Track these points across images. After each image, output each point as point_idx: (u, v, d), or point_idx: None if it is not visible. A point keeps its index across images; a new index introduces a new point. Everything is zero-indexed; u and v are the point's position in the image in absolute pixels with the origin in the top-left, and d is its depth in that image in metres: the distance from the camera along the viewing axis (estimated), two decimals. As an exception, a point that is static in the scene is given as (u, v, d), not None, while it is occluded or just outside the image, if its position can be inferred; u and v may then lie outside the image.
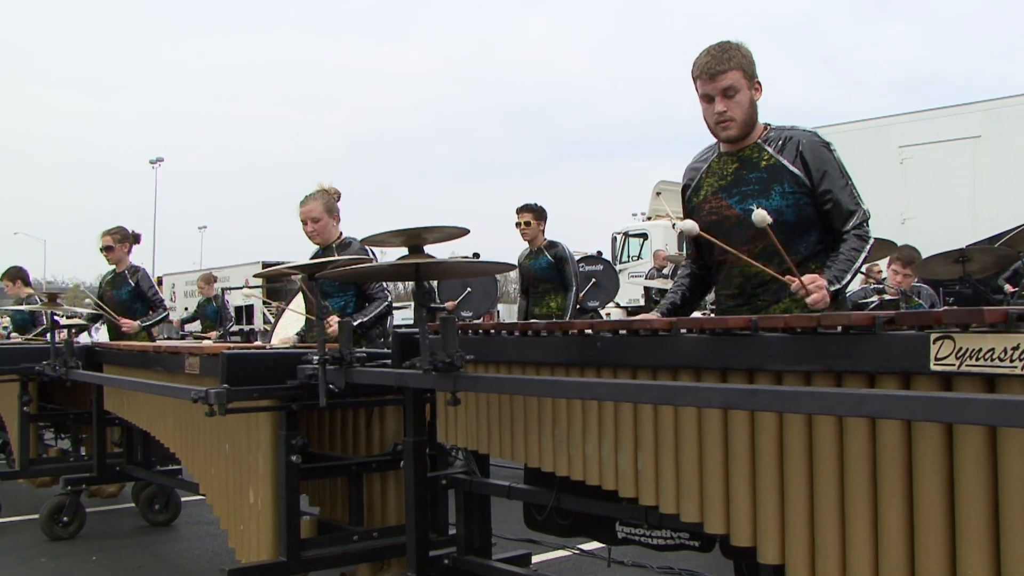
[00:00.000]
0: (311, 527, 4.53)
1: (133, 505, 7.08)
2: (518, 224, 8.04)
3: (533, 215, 7.97)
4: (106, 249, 7.84)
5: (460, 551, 4.18)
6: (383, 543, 4.42)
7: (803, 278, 3.13)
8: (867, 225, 3.35)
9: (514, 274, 8.20)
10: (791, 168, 3.36)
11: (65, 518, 6.36)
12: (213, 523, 5.51)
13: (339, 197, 5.72)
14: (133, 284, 7.83)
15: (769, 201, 3.34)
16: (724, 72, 3.37)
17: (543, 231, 8.02)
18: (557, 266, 7.87)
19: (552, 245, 7.97)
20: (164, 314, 7.98)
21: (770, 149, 3.42)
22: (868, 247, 3.33)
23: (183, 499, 6.91)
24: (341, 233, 5.69)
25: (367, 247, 5.43)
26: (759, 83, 3.46)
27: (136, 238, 8.05)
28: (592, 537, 4.01)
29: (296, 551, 4.14)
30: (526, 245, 8.12)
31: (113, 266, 7.95)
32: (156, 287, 8.03)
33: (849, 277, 3.25)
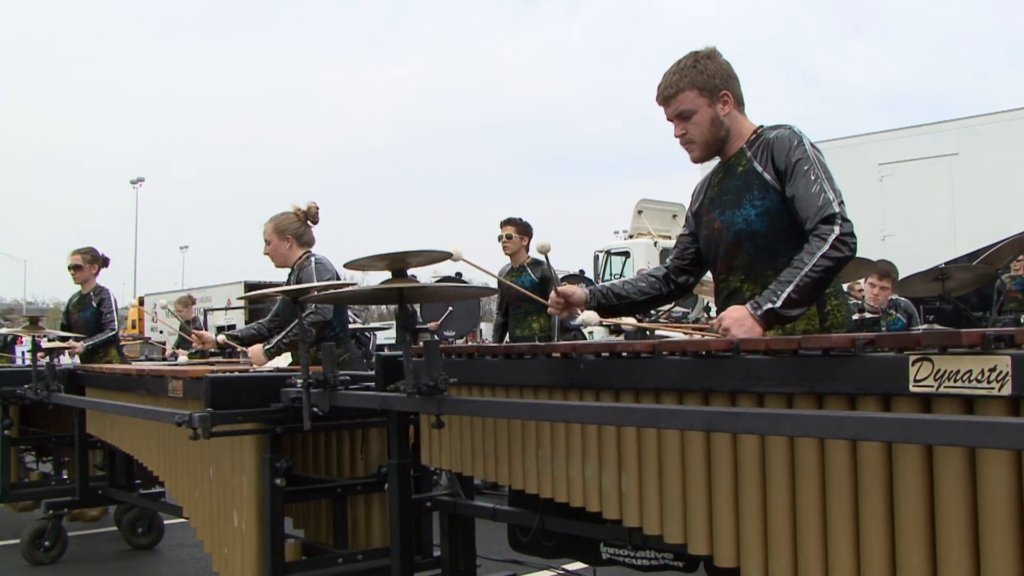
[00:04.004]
0: (296, 550, 4.52)
1: (116, 528, 7.04)
2: (500, 237, 7.78)
3: (516, 228, 7.73)
4: (74, 268, 7.82)
5: (445, 573, 4.18)
6: (368, 565, 4.41)
7: (714, 322, 3.05)
8: (835, 222, 2.98)
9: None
10: (762, 172, 3.19)
11: (47, 542, 6.31)
12: (196, 546, 5.50)
13: (308, 218, 5.56)
14: (95, 305, 7.80)
15: (742, 211, 3.23)
16: (675, 95, 3.29)
17: (526, 247, 7.76)
18: (542, 286, 7.56)
19: (536, 264, 7.69)
20: (108, 335, 7.77)
21: (749, 154, 3.26)
22: (825, 249, 2.95)
23: (166, 522, 6.89)
24: (307, 253, 5.55)
25: (322, 263, 5.37)
26: (727, 95, 3.29)
27: (105, 261, 7.99)
28: (577, 558, 4.01)
29: (280, 574, 4.13)
30: (507, 261, 7.88)
31: (79, 287, 7.93)
32: (115, 311, 7.90)
33: (791, 290, 2.93)
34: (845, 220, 3.01)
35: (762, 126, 3.35)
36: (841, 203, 3.04)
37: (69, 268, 7.85)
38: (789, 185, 3.12)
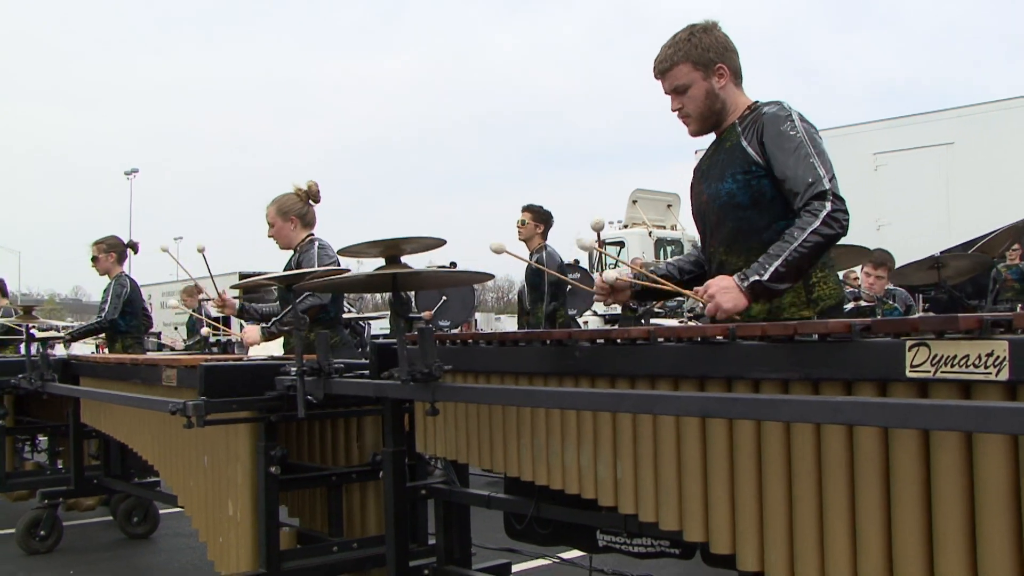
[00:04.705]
0: (290, 538, 4.52)
1: (111, 518, 7.03)
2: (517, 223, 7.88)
3: (532, 215, 7.80)
4: (93, 260, 7.61)
5: (440, 561, 4.18)
6: (363, 554, 4.41)
7: (698, 288, 3.03)
8: (826, 199, 2.96)
9: (491, 283, 8.06)
10: (747, 148, 3.17)
11: (42, 532, 6.30)
12: (192, 535, 5.48)
13: (309, 197, 5.53)
14: (103, 293, 7.60)
15: (723, 184, 3.23)
16: (669, 69, 3.30)
17: (541, 234, 7.81)
18: (537, 274, 7.64)
19: (537, 252, 7.78)
20: (91, 324, 7.63)
21: (739, 129, 3.25)
22: (816, 225, 2.93)
23: (161, 511, 6.87)
24: (310, 236, 5.52)
25: (324, 249, 5.36)
26: (722, 68, 3.27)
27: (129, 248, 7.72)
28: (573, 546, 4.00)
29: (276, 563, 4.12)
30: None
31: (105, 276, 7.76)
32: (118, 300, 7.49)
33: (779, 264, 2.92)
34: (837, 196, 2.99)
35: (756, 102, 3.33)
36: (832, 178, 3.02)
37: (91, 260, 7.68)
38: (778, 161, 3.10)
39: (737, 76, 3.34)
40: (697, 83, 3.28)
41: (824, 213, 2.95)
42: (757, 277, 2.94)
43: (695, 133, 3.41)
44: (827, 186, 2.99)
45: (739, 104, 3.33)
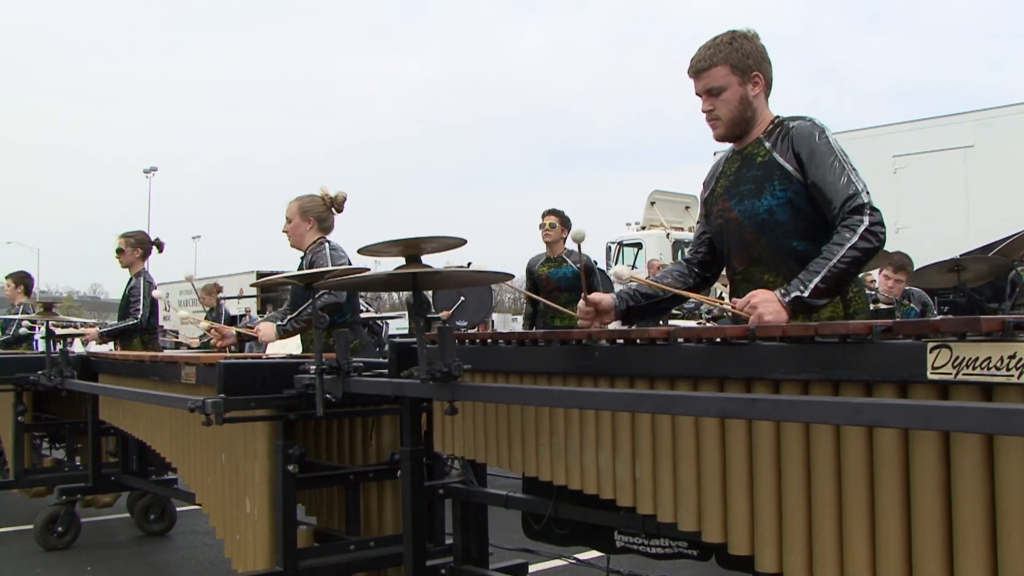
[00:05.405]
0: (308, 537, 4.52)
1: (128, 515, 7.06)
2: (542, 225, 7.89)
3: (559, 219, 7.86)
4: (118, 252, 7.49)
5: (457, 561, 4.18)
6: (380, 553, 4.41)
7: (739, 301, 3.03)
8: (864, 213, 3.00)
9: (510, 283, 8.06)
10: (783, 163, 3.19)
11: (60, 528, 6.34)
12: (209, 533, 5.51)
13: (334, 204, 5.57)
14: (127, 290, 7.49)
15: (761, 200, 3.22)
16: (706, 69, 3.29)
17: (564, 239, 7.89)
18: (585, 276, 7.62)
19: (574, 254, 7.80)
20: (127, 324, 7.35)
21: (768, 144, 3.25)
22: (855, 240, 2.97)
23: (178, 509, 6.90)
24: (322, 239, 5.54)
25: (336, 250, 5.38)
26: (758, 76, 3.29)
27: (155, 245, 7.61)
28: (590, 546, 4.00)
29: (293, 561, 4.13)
30: (540, 252, 7.99)
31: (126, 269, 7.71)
32: (141, 298, 7.38)
33: (819, 280, 2.96)
34: (874, 210, 3.02)
35: (779, 116, 3.33)
36: (868, 193, 3.05)
37: (115, 251, 7.62)
38: (813, 174, 3.12)
39: (769, 87, 3.35)
40: (733, 87, 3.28)
41: (863, 228, 2.98)
42: (798, 293, 2.97)
43: (721, 137, 3.40)
44: (865, 199, 3.03)
45: (765, 117, 3.34)
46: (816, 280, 2.96)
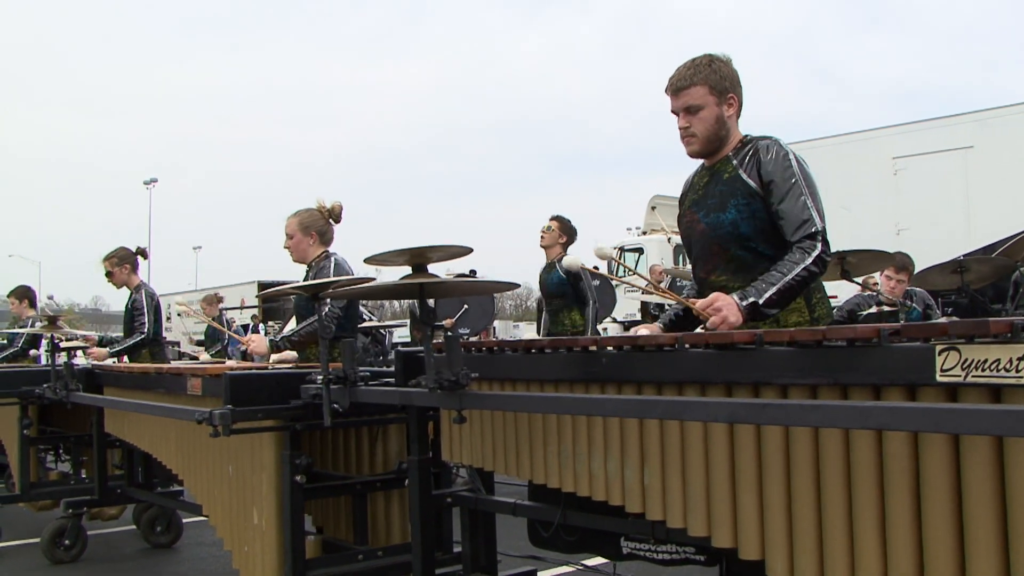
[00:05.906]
0: (316, 547, 4.53)
1: (135, 527, 7.06)
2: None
3: (559, 224, 7.83)
4: (107, 275, 7.45)
5: (466, 569, 4.19)
6: (388, 562, 4.41)
7: (700, 302, 3.18)
8: (816, 240, 3.22)
9: (512, 292, 8.05)
10: (747, 180, 3.35)
11: (67, 541, 6.35)
12: (215, 544, 5.51)
13: (332, 216, 5.55)
14: (130, 304, 7.43)
15: (726, 214, 3.39)
16: (686, 88, 3.42)
17: (563, 245, 7.83)
18: (571, 281, 7.60)
19: (557, 260, 7.74)
20: (135, 340, 7.28)
21: (735, 162, 3.42)
22: (808, 263, 3.19)
23: (185, 520, 6.90)
24: (326, 252, 5.52)
25: (340, 265, 5.37)
26: (733, 98, 3.45)
27: (142, 254, 7.58)
28: (597, 553, 4.01)
29: (301, 571, 4.13)
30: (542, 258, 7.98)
31: (123, 288, 7.69)
32: (146, 311, 7.34)
33: (773, 292, 3.14)
34: (826, 241, 3.27)
35: (748, 135, 3.50)
36: (823, 220, 3.28)
37: (105, 276, 7.59)
38: (775, 198, 3.31)
39: (740, 109, 3.50)
40: (710, 107, 3.42)
41: (815, 253, 3.22)
42: (754, 299, 3.15)
43: (694, 154, 3.54)
44: (819, 227, 3.26)
45: (735, 136, 3.51)
46: (772, 291, 3.16)
